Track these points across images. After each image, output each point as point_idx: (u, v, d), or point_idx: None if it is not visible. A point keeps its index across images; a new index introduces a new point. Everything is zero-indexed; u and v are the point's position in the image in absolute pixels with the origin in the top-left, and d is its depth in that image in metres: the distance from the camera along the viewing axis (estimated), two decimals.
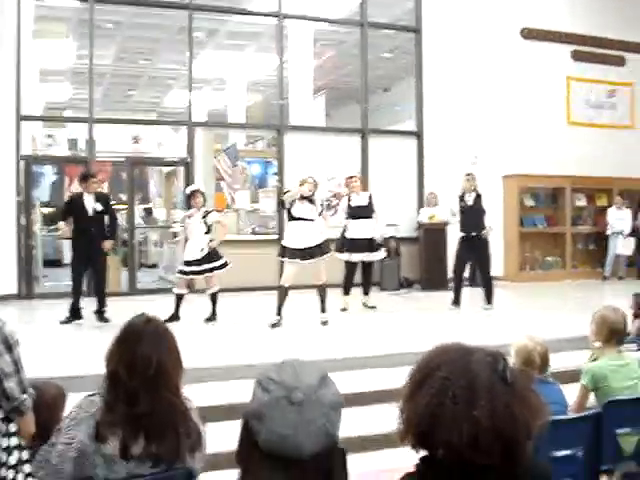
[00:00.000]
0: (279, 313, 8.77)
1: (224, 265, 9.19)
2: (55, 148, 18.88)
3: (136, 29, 15.89)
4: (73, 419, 2.33)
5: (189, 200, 9.46)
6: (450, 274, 11.06)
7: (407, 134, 14.31)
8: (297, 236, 8.81)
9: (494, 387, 1.43)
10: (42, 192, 17.81)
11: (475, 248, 10.14)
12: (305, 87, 14.52)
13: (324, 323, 8.83)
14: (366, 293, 10.42)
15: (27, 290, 11.80)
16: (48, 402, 2.88)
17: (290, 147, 13.27)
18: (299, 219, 8.85)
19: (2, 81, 11.41)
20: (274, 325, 8.63)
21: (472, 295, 11.14)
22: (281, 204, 9.29)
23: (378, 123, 15.14)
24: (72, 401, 2.84)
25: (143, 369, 2.34)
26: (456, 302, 10.21)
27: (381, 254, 10.46)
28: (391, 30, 15.32)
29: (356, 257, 10.08)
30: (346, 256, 10.08)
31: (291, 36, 14.08)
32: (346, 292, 10.18)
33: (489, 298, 10.13)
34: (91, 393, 2.42)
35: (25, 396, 2.38)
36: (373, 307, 10.30)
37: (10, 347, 2.33)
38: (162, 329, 2.52)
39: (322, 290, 8.93)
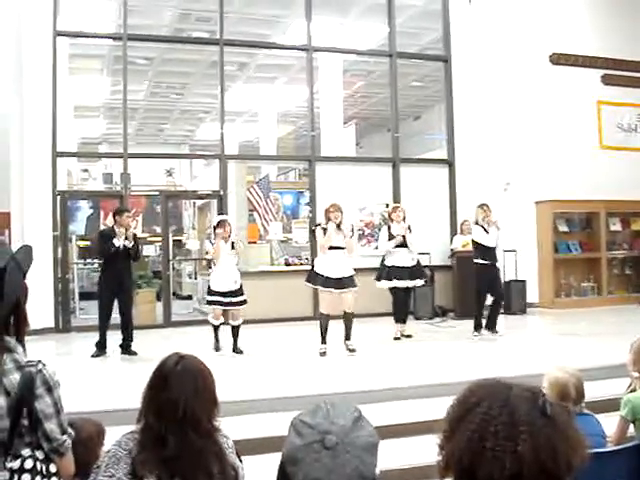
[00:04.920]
0: (324, 341, 8.86)
1: (245, 302, 9.31)
2: (90, 183, 19.21)
3: (168, 64, 16.18)
4: (112, 457, 2.35)
5: (215, 230, 9.41)
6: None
7: (438, 162, 14.31)
8: (332, 265, 8.88)
9: (535, 422, 1.42)
10: (78, 226, 18.05)
11: (494, 275, 10.32)
12: (335, 117, 14.63)
13: (352, 351, 8.82)
14: (404, 322, 10.39)
15: (64, 323, 11.93)
16: (86, 440, 2.91)
17: (321, 178, 13.33)
18: (333, 248, 8.92)
19: (38, 118, 11.64)
20: (322, 354, 8.74)
21: (506, 323, 11.05)
22: (312, 232, 9.27)
23: (409, 152, 15.18)
24: (111, 435, 2.88)
25: (170, 413, 2.35)
26: (479, 327, 10.24)
27: (422, 281, 10.46)
28: (420, 59, 15.41)
29: (399, 284, 10.09)
30: (389, 283, 10.10)
31: (321, 67, 14.23)
32: (403, 321, 10.25)
33: (495, 325, 10.25)
34: (130, 431, 2.44)
35: (65, 437, 2.40)
36: (409, 336, 10.27)
37: (50, 389, 2.36)
38: (193, 369, 2.50)
39: (348, 319, 8.92)
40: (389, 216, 10.66)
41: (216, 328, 9.22)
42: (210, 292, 9.29)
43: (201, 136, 21.19)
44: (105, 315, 9.32)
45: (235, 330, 9.19)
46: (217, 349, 9.07)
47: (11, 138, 11.64)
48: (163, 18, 14.00)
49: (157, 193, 14.70)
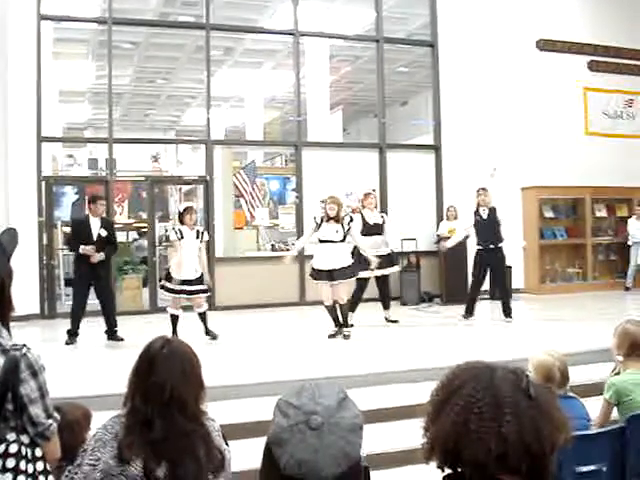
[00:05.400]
0: (337, 325, 9.10)
1: (207, 290, 9.25)
2: (76, 168, 19.05)
3: (154, 49, 16.06)
4: (98, 440, 2.35)
5: (181, 217, 9.22)
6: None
7: (425, 148, 14.33)
8: (323, 258, 8.98)
9: (519, 403, 1.43)
10: (63, 212, 17.91)
11: (492, 261, 10.17)
12: (322, 103, 14.60)
13: (346, 337, 8.94)
14: (387, 307, 10.41)
15: (49, 309, 11.89)
16: (73, 424, 2.91)
17: (308, 163, 13.32)
18: (325, 242, 8.99)
19: (23, 103, 11.55)
20: (331, 336, 9.02)
21: (492, 308, 11.11)
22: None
23: (396, 137, 15.16)
24: (97, 420, 2.88)
25: (157, 396, 2.36)
26: (469, 312, 10.22)
27: (396, 268, 10.47)
28: (407, 45, 15.38)
29: (369, 273, 10.01)
30: (365, 273, 9.95)
31: (307, 52, 14.17)
32: (353, 309, 10.05)
33: (507, 311, 10.11)
34: (116, 415, 2.44)
35: (50, 421, 2.39)
36: (396, 321, 10.30)
37: (35, 373, 2.35)
38: (179, 352, 2.50)
39: (342, 308, 9.07)
40: (361, 203, 10.59)
41: (174, 319, 9.03)
42: (168, 278, 9.10)
43: (187, 121, 21.07)
44: (77, 304, 9.18)
45: (202, 316, 9.14)
46: None
47: None
48: (149, 2, 13.87)
49: (143, 179, 14.63)
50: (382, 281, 10.33)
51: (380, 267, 9.94)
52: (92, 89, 17.59)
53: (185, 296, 9.10)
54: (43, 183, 11.94)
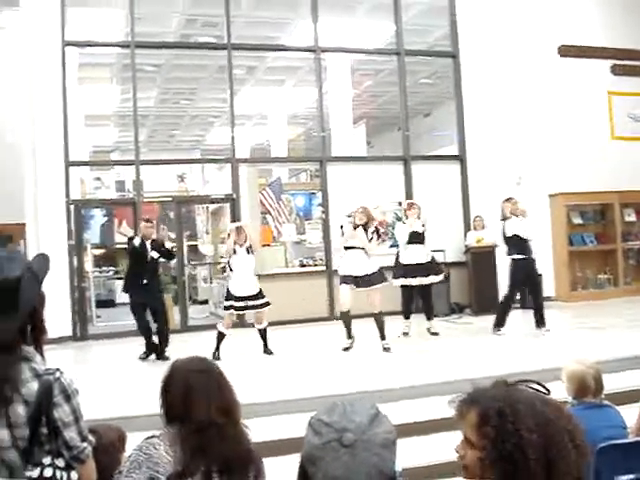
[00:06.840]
0: (350, 336, 9.06)
1: (268, 304, 9.34)
2: (103, 191, 19.28)
3: (176, 70, 16.22)
4: (133, 462, 2.35)
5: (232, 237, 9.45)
6: (501, 297, 10.81)
7: (450, 158, 14.26)
8: (350, 264, 9.08)
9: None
10: (92, 234, 18.09)
11: (531, 270, 10.13)
12: (345, 117, 14.62)
13: (386, 349, 8.93)
14: (429, 318, 10.34)
15: (81, 331, 11.98)
16: (108, 446, 2.91)
17: (333, 178, 13.32)
18: (351, 248, 9.08)
19: (50, 128, 11.70)
20: (347, 349, 8.97)
21: (523, 318, 10.99)
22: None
23: (420, 149, 15.14)
24: (131, 441, 2.89)
25: (217, 411, 2.37)
26: (502, 324, 10.08)
27: (439, 277, 10.42)
28: (428, 56, 15.37)
29: (412, 281, 10.09)
30: (402, 281, 10.14)
31: (329, 68, 14.23)
32: (406, 317, 10.27)
33: (542, 321, 10.00)
34: (150, 435, 2.44)
35: (85, 444, 2.40)
36: (435, 333, 10.22)
37: (68, 397, 2.35)
38: (214, 369, 2.54)
39: (379, 318, 9.03)
40: (404, 213, 10.68)
41: (221, 337, 9.14)
42: (228, 297, 9.30)
43: (212, 141, 21.24)
44: (142, 322, 9.42)
45: (262, 333, 9.29)
46: (217, 358, 8.48)
47: (23, 149, 11.72)
48: (170, 24, 14.03)
49: (170, 199, 14.74)
50: (422, 291, 10.35)
51: (420, 276, 9.97)
52: (117, 112, 17.82)
53: (249, 311, 9.40)
54: (72, 206, 12.08)
